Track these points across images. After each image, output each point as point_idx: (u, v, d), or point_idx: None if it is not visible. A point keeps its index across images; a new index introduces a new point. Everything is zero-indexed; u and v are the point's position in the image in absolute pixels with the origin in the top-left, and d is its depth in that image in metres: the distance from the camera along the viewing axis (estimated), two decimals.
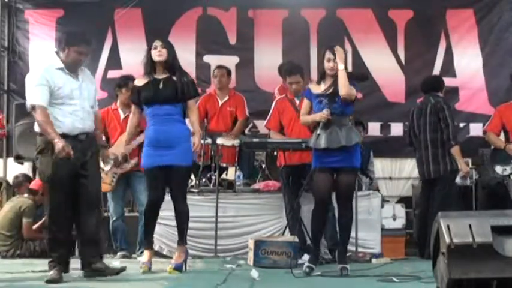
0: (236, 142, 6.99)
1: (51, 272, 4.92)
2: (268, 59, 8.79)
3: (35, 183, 7.36)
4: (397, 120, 8.63)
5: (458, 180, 7.20)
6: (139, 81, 5.69)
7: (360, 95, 8.25)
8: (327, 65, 5.59)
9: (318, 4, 9.00)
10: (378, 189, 7.51)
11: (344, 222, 5.65)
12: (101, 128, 5.55)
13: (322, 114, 5.49)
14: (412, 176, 8.23)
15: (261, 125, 8.15)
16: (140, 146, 6.17)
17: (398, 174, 8.80)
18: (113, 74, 8.54)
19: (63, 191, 4.96)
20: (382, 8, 8.91)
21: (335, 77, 5.55)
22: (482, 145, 7.52)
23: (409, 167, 8.49)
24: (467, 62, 8.85)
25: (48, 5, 9.07)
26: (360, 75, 7.90)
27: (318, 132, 5.48)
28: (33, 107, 4.95)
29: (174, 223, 5.81)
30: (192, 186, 7.04)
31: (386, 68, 8.85)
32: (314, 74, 7.95)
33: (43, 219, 7.22)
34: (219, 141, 6.93)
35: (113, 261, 6.09)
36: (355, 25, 8.90)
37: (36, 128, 5.04)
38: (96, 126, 5.30)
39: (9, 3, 9.05)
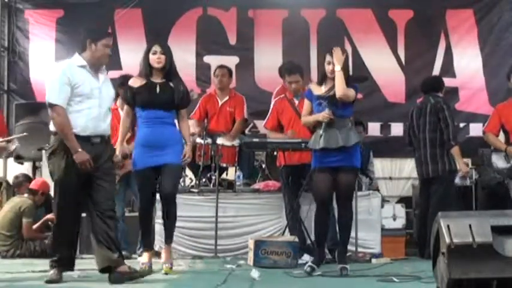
0: (236, 142, 7.00)
1: (51, 272, 4.91)
2: (268, 59, 8.79)
3: (35, 183, 7.37)
4: (397, 121, 8.63)
5: (457, 180, 7.20)
6: (135, 83, 5.69)
7: (359, 96, 8.29)
8: (327, 68, 5.61)
9: (318, 4, 9.00)
10: (378, 189, 7.51)
11: (344, 222, 5.66)
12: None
13: (324, 114, 5.50)
14: (412, 176, 8.23)
15: (260, 125, 8.14)
16: None
17: (398, 174, 8.82)
18: (113, 74, 8.44)
19: (72, 193, 4.89)
20: (382, 8, 8.92)
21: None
22: (482, 145, 7.51)
23: (409, 167, 8.49)
24: (467, 62, 8.86)
25: (48, 5, 9.08)
26: (359, 77, 7.92)
27: (320, 132, 5.48)
28: (51, 106, 4.86)
29: (177, 223, 5.80)
30: (192, 186, 7.05)
31: (386, 68, 8.86)
32: (314, 74, 8.00)
33: (43, 219, 7.26)
34: (219, 141, 6.93)
35: None
36: (355, 25, 8.90)
37: (52, 127, 4.93)
38: None
39: (9, 3, 9.05)
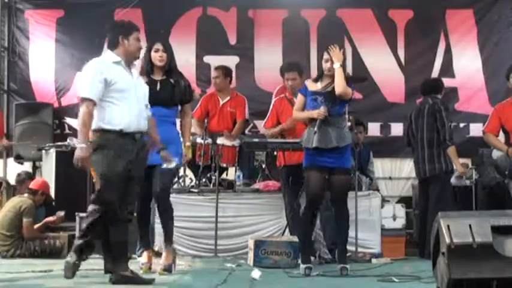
0: (236, 142, 7.00)
1: (73, 256, 4.76)
2: (268, 59, 8.79)
3: (35, 183, 7.36)
4: (397, 121, 8.63)
5: (453, 180, 7.24)
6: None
7: (359, 96, 8.30)
8: (324, 65, 5.61)
9: (318, 4, 9.01)
10: (378, 189, 7.51)
11: (341, 223, 5.64)
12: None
13: (319, 112, 5.47)
14: (412, 176, 8.22)
15: (261, 125, 8.15)
16: None
17: (398, 174, 8.82)
18: None
19: (116, 189, 4.77)
20: (382, 8, 8.93)
21: (332, 77, 5.56)
22: (482, 145, 7.52)
23: (408, 167, 8.49)
24: (466, 62, 8.86)
25: (48, 5, 9.09)
26: (359, 77, 7.93)
27: (315, 130, 5.45)
28: (81, 100, 4.75)
29: (176, 223, 5.80)
30: (192, 186, 7.05)
31: (386, 68, 8.86)
32: (314, 74, 7.96)
33: (43, 221, 7.27)
34: (219, 141, 6.93)
35: None
36: (355, 25, 8.91)
37: (93, 125, 4.80)
38: (150, 126, 5.11)
39: (9, 3, 9.06)
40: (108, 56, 4.94)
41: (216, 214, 6.66)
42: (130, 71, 4.95)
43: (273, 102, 6.97)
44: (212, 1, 9.01)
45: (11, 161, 8.59)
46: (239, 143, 6.99)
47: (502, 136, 6.97)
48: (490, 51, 8.84)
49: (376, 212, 6.94)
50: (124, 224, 4.85)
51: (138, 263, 5.71)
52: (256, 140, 7.06)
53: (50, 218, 7.31)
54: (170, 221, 5.60)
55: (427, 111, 6.85)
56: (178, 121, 5.79)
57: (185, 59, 8.49)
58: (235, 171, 7.13)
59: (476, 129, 8.37)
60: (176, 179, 6.89)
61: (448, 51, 8.85)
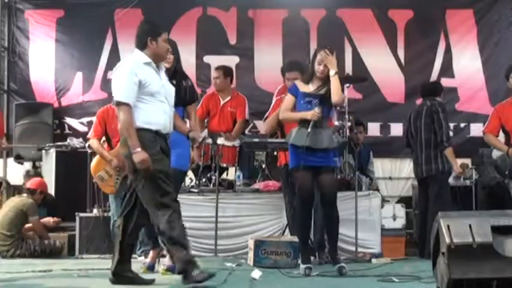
0: (236, 142, 7.00)
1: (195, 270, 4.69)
2: (268, 59, 8.80)
3: (32, 183, 7.35)
4: (397, 121, 8.64)
5: (451, 180, 7.25)
6: None
7: (359, 96, 8.29)
8: (317, 67, 5.55)
9: (318, 4, 9.01)
10: (378, 189, 7.51)
11: (332, 222, 5.60)
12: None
13: (314, 113, 5.44)
14: (412, 176, 8.20)
15: (261, 125, 8.16)
16: None
17: (398, 174, 8.82)
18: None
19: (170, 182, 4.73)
20: (382, 8, 8.93)
21: (324, 79, 5.53)
22: (482, 145, 7.51)
23: (408, 167, 8.48)
24: (466, 62, 8.87)
25: (48, 5, 9.08)
26: (358, 78, 7.93)
27: (308, 130, 5.43)
28: (118, 104, 4.67)
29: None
30: (192, 186, 7.05)
31: (386, 68, 8.87)
32: None
33: (47, 219, 7.28)
34: (220, 141, 6.93)
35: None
36: (355, 25, 8.91)
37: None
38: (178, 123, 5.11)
39: (9, 3, 9.06)
40: (139, 56, 4.82)
41: (216, 214, 6.66)
42: (159, 72, 4.89)
43: (273, 102, 6.97)
44: (212, 1, 9.01)
45: (11, 161, 8.59)
46: (239, 143, 6.99)
47: (502, 136, 6.97)
48: (490, 51, 8.85)
49: (376, 212, 6.94)
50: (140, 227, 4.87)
51: (139, 262, 5.71)
52: (256, 140, 7.06)
53: (46, 219, 7.32)
54: None
55: (425, 113, 6.87)
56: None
57: (185, 59, 8.43)
58: (235, 171, 7.13)
59: (476, 129, 8.37)
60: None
61: (448, 51, 8.86)
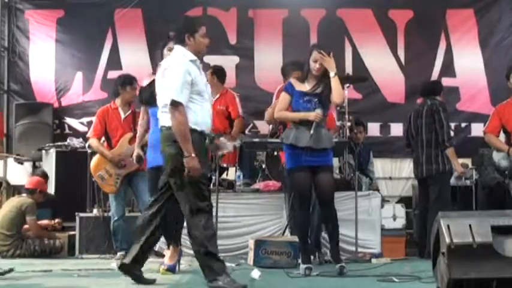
0: (237, 143, 6.99)
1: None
2: (268, 59, 8.80)
3: (30, 182, 7.34)
4: (397, 121, 8.64)
5: (453, 180, 7.24)
6: (146, 81, 5.71)
7: (359, 96, 8.28)
8: (313, 65, 5.52)
9: (318, 4, 9.01)
10: (378, 189, 7.51)
11: (332, 222, 5.61)
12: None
13: (317, 114, 5.43)
14: (412, 176, 8.21)
15: (261, 125, 8.15)
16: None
17: (398, 174, 8.82)
18: (113, 74, 8.53)
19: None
20: (382, 8, 8.93)
21: (319, 77, 5.52)
22: (483, 145, 7.51)
23: (409, 167, 8.48)
24: (467, 62, 8.87)
25: (48, 5, 9.08)
26: (358, 78, 7.92)
27: (311, 132, 5.41)
28: (174, 104, 4.49)
29: None
30: None
31: (386, 68, 8.87)
32: None
33: (46, 221, 7.28)
34: (222, 143, 6.90)
35: (112, 262, 6.09)
36: (355, 25, 8.91)
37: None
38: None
39: (9, 3, 9.06)
40: (185, 53, 4.64)
41: (216, 214, 6.65)
42: (201, 69, 4.77)
43: (273, 102, 6.96)
44: (212, 1, 9.01)
45: (11, 161, 8.58)
46: (239, 143, 6.98)
47: (502, 136, 6.97)
48: (490, 51, 8.85)
49: (376, 212, 6.94)
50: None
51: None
52: (256, 140, 7.05)
53: (45, 222, 7.33)
54: (182, 222, 5.59)
55: (425, 113, 6.85)
56: None
57: None
58: (236, 171, 7.13)
59: (477, 129, 8.37)
60: None
61: (448, 51, 8.86)
